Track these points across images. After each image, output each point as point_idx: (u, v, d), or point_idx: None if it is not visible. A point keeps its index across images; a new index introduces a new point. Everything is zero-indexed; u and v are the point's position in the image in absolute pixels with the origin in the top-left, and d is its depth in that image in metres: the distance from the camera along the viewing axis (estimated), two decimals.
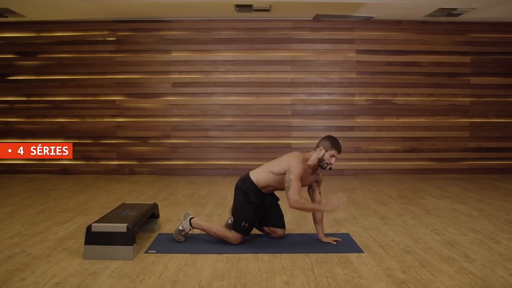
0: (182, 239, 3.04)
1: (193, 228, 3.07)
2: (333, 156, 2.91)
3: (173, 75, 6.54)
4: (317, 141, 3.01)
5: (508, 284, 2.38)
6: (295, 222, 3.72)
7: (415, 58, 6.54)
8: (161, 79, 6.54)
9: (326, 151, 2.91)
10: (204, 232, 3.12)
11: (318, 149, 2.94)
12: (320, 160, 2.92)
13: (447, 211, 4.16)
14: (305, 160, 2.94)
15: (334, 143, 2.92)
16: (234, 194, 3.11)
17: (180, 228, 3.05)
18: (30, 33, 6.54)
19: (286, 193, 2.84)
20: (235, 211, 3.05)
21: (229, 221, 3.26)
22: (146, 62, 6.53)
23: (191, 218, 3.10)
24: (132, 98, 6.55)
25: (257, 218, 3.10)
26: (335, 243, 3.00)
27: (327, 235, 3.14)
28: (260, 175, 3.02)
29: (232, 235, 3.00)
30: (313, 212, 3.07)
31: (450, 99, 6.59)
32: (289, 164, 2.87)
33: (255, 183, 3.00)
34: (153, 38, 6.51)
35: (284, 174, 2.89)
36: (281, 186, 2.96)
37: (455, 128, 6.61)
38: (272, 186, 3.03)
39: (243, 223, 2.97)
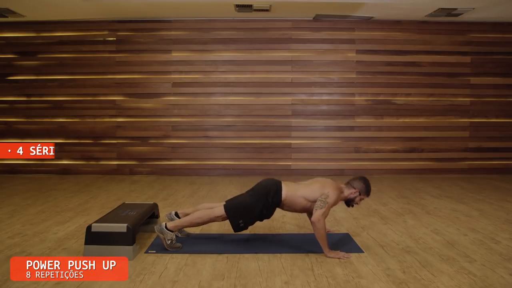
0: (178, 245, 2.92)
1: (174, 232, 2.92)
2: (362, 199, 3.02)
3: (173, 75, 6.54)
4: (350, 178, 3.08)
5: (508, 284, 2.38)
6: (295, 222, 3.72)
7: (415, 58, 6.54)
8: (161, 79, 6.54)
9: (360, 194, 2.99)
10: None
11: (352, 190, 3.00)
12: (351, 200, 3.00)
13: (447, 211, 4.16)
14: (340, 191, 2.97)
15: (368, 189, 3.02)
16: (254, 191, 2.97)
17: (168, 242, 2.88)
18: (30, 33, 6.54)
19: (315, 210, 2.82)
20: (241, 203, 2.92)
21: (172, 213, 3.18)
22: (146, 62, 6.53)
23: (166, 226, 2.90)
24: (132, 98, 6.55)
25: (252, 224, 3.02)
26: (344, 258, 2.78)
27: (329, 235, 3.14)
28: (289, 196, 2.93)
29: (220, 215, 2.90)
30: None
31: (450, 99, 6.58)
32: (329, 190, 2.87)
33: (282, 200, 2.93)
34: (153, 38, 6.51)
35: (315, 201, 2.88)
36: (302, 211, 3.01)
37: (455, 128, 6.61)
38: (293, 208, 2.99)
39: (241, 221, 2.89)
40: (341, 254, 2.80)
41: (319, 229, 2.77)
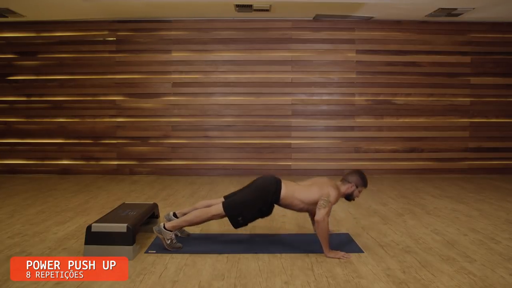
0: (179, 245, 2.92)
1: (172, 231, 2.92)
2: (361, 191, 3.04)
3: (173, 75, 6.54)
4: (345, 174, 3.09)
5: (508, 284, 2.38)
6: (295, 222, 3.72)
7: (415, 58, 6.54)
8: (161, 79, 6.54)
9: (357, 187, 3.01)
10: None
11: (349, 185, 3.01)
12: (349, 194, 3.03)
13: (447, 211, 4.16)
14: (338, 189, 2.99)
15: (364, 180, 3.03)
16: (254, 188, 2.96)
17: (167, 242, 2.88)
18: (30, 33, 6.54)
19: (319, 209, 2.83)
20: (240, 200, 2.91)
21: (170, 214, 3.18)
22: (146, 62, 6.53)
23: (164, 226, 2.90)
24: (132, 98, 6.55)
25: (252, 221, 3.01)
26: (343, 258, 2.78)
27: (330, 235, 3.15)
28: (288, 196, 2.93)
29: (217, 213, 2.90)
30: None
31: (450, 99, 6.59)
32: (329, 190, 2.89)
33: (280, 199, 2.94)
34: (153, 38, 6.51)
35: (313, 204, 2.90)
36: (299, 211, 3.03)
37: (455, 128, 6.61)
38: (290, 208, 3.02)
39: (240, 218, 2.88)
40: (341, 254, 2.80)
41: (323, 228, 2.78)
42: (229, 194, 3.13)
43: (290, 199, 2.94)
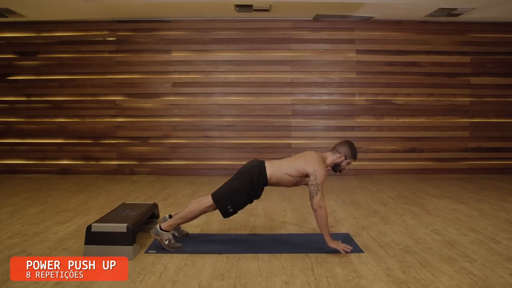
0: (178, 245, 2.92)
1: (169, 231, 2.92)
2: (349, 163, 3.00)
3: (173, 75, 6.54)
4: (336, 144, 3.05)
5: (508, 284, 2.38)
6: (295, 222, 3.72)
7: (415, 58, 6.54)
8: (161, 79, 6.54)
9: (346, 158, 2.97)
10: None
11: (337, 154, 2.97)
12: (337, 164, 2.99)
13: (447, 211, 4.16)
14: (323, 161, 2.95)
15: (354, 152, 2.99)
16: (239, 175, 2.95)
17: (166, 242, 2.88)
18: (30, 33, 6.54)
19: (312, 197, 2.82)
20: (227, 189, 2.90)
21: (166, 216, 3.18)
22: (146, 62, 6.53)
23: (160, 227, 2.91)
24: (132, 98, 6.55)
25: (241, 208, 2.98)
26: (343, 252, 2.79)
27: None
28: (275, 173, 2.93)
29: (209, 204, 2.90)
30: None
31: (450, 99, 6.59)
32: (314, 168, 2.85)
33: (268, 178, 2.92)
34: (153, 38, 6.51)
35: (301, 176, 2.89)
36: (290, 185, 2.98)
37: (455, 128, 6.61)
38: (282, 185, 2.99)
39: (229, 207, 2.87)
40: (342, 245, 2.81)
41: (321, 216, 2.78)
42: (218, 187, 3.11)
43: (278, 175, 2.92)
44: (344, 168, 3.02)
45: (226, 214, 2.90)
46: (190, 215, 2.94)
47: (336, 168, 3.02)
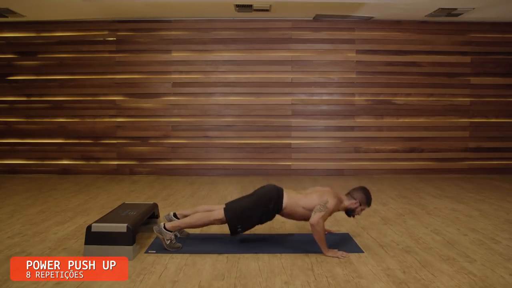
0: (178, 245, 2.93)
1: (172, 232, 2.93)
2: (363, 209, 3.04)
3: (173, 75, 6.54)
4: (350, 189, 3.09)
5: (508, 284, 2.38)
6: (295, 223, 3.71)
7: (415, 58, 6.54)
8: (161, 79, 6.54)
9: (360, 205, 3.00)
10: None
11: (353, 200, 3.01)
12: (351, 210, 3.02)
13: (447, 211, 4.16)
14: (340, 201, 2.99)
15: (369, 199, 3.03)
16: (256, 197, 2.97)
17: (167, 242, 2.89)
18: (30, 33, 6.54)
19: (314, 212, 2.83)
20: (241, 208, 2.91)
21: (171, 214, 3.20)
22: (146, 62, 6.53)
23: (164, 227, 2.91)
24: (132, 98, 6.55)
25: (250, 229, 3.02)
26: (341, 257, 2.80)
27: (329, 235, 3.15)
28: (290, 204, 2.95)
29: (219, 218, 2.91)
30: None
31: (450, 99, 6.59)
32: (328, 200, 2.88)
33: (283, 207, 2.95)
34: (153, 38, 6.51)
35: (313, 209, 2.91)
36: (301, 219, 2.99)
37: (455, 128, 6.61)
38: (293, 218, 3.01)
39: (239, 226, 2.90)
40: (339, 253, 2.82)
41: (318, 231, 2.79)
42: (230, 201, 3.14)
43: (292, 207, 2.95)
44: (358, 214, 3.05)
45: (234, 232, 2.92)
46: (197, 223, 2.96)
47: (349, 213, 3.05)
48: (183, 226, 2.98)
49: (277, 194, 2.96)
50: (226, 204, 3.04)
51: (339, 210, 3.04)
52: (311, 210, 2.90)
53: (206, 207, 3.19)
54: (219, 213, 2.92)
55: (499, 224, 3.66)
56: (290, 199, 2.95)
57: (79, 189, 5.29)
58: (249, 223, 2.92)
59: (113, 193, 5.07)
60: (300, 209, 2.94)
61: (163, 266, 2.64)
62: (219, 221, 2.93)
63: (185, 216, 3.10)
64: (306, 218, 2.99)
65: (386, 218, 3.87)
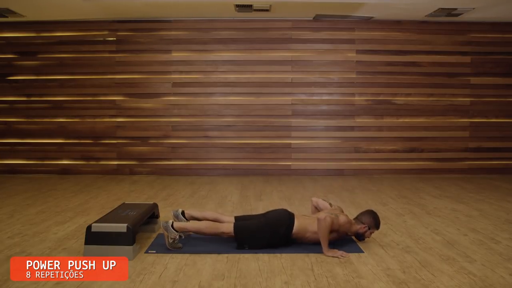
0: (179, 245, 2.93)
1: (178, 232, 2.94)
2: (373, 232, 3.08)
3: (173, 75, 6.54)
4: (358, 214, 3.15)
5: (508, 284, 2.38)
6: None
7: (415, 58, 6.54)
8: (161, 79, 6.54)
9: (369, 229, 3.05)
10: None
11: (362, 225, 3.05)
12: (361, 234, 3.06)
13: (447, 211, 4.16)
14: (351, 224, 3.02)
15: (377, 223, 3.06)
16: (268, 221, 2.98)
17: (170, 241, 2.90)
18: (30, 33, 6.54)
19: (324, 213, 2.91)
20: (252, 230, 2.94)
21: (179, 211, 3.21)
22: (146, 62, 6.53)
23: (172, 225, 2.93)
24: (132, 98, 6.55)
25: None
26: (341, 257, 2.80)
27: None
28: (300, 230, 2.97)
29: (227, 232, 2.93)
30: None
31: (450, 99, 6.59)
32: (338, 214, 2.95)
33: (292, 233, 2.97)
34: (153, 38, 6.51)
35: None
36: (311, 242, 2.99)
37: (455, 128, 6.61)
38: (302, 241, 3.02)
39: (246, 246, 2.92)
40: (339, 253, 2.82)
41: (323, 227, 2.82)
42: (240, 216, 3.18)
43: (303, 233, 2.98)
44: (368, 237, 3.09)
45: (240, 248, 2.94)
46: (205, 231, 2.98)
47: (360, 237, 3.08)
48: (191, 230, 3.01)
49: (289, 220, 2.99)
50: (236, 219, 3.07)
51: (347, 235, 3.09)
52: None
53: (215, 214, 3.21)
54: (229, 227, 2.95)
55: (499, 224, 3.66)
56: (300, 225, 2.99)
57: (79, 189, 5.29)
58: (257, 244, 2.93)
59: (113, 193, 5.07)
60: (309, 234, 2.98)
61: (163, 266, 2.64)
62: (226, 235, 2.95)
63: (193, 217, 3.14)
64: (315, 242, 2.98)
65: (386, 218, 3.87)
